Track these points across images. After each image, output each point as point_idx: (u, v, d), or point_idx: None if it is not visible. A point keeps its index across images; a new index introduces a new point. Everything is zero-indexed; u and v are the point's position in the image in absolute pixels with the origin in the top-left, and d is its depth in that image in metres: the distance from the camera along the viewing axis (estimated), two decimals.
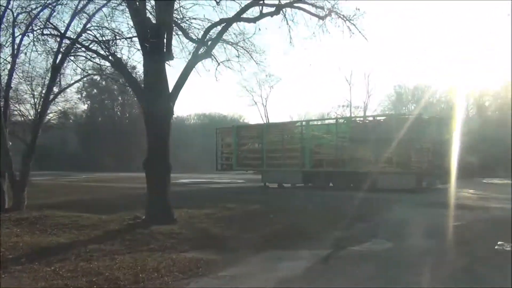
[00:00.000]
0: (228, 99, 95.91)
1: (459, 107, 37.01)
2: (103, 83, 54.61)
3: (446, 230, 9.22)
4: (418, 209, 12.33)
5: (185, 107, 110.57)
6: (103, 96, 58.58)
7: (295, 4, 11.83)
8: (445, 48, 57.14)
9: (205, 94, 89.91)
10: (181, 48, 12.70)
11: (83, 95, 55.01)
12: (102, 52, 10.95)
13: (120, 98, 58.07)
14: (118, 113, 60.36)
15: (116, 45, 10.53)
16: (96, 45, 11.00)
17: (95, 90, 57.50)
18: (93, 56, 11.29)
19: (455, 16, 52.99)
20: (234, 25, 12.16)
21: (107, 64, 12.33)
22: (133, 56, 12.40)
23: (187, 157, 51.30)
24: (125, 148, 53.53)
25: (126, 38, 10.40)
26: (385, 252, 7.68)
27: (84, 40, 11.56)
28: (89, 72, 13.79)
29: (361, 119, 21.29)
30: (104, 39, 10.50)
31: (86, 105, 58.23)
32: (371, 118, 21.44)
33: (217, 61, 13.10)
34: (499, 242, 7.72)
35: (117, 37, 10.36)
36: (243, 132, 24.19)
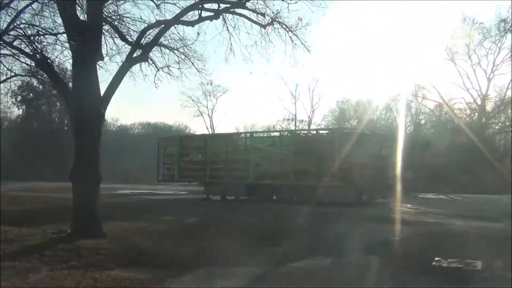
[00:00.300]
0: (173, 109, 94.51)
1: (399, 124, 38.49)
2: (40, 87, 52.04)
3: (386, 245, 9.06)
4: (358, 224, 12.20)
5: (130, 116, 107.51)
6: (40, 101, 55.62)
7: (235, 10, 11.46)
8: (384, 64, 59.20)
9: (150, 102, 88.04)
10: (117, 51, 11.99)
11: (17, 99, 51.96)
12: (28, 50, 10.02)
13: (58, 104, 55.34)
14: (56, 119, 57.52)
15: (41, 42, 9.65)
16: (22, 42, 10.05)
17: (31, 94, 54.51)
18: (18, 54, 10.31)
19: (395, 34, 54.99)
20: (174, 29, 11.64)
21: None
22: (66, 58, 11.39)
23: (131, 167, 49.71)
24: (64, 157, 51.01)
25: (51, 34, 9.56)
26: (325, 268, 7.35)
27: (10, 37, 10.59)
28: (17, 72, 12.64)
29: (305, 132, 21.27)
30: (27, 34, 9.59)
31: (21, 110, 55.07)
32: (314, 132, 21.51)
33: (156, 66, 12.49)
34: (436, 258, 7.60)
35: (41, 33, 9.48)
36: (187, 143, 23.47)
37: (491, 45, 38.08)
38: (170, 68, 12.78)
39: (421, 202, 22.69)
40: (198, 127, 68.59)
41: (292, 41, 11.83)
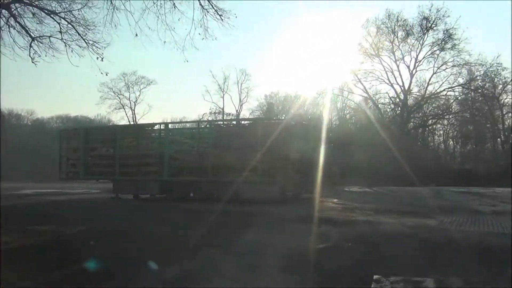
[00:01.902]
0: (94, 102, 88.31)
1: (325, 117, 37.52)
2: None
3: (309, 257, 7.02)
4: (278, 227, 10.19)
5: (48, 109, 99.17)
6: None
7: None
8: (313, 59, 58.59)
9: (70, 95, 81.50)
10: None
11: None
12: None
13: None
14: None
15: None
16: None
17: None
18: None
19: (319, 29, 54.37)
20: None
21: None
22: None
23: (46, 164, 44.89)
24: None
25: None
26: None
27: None
28: None
29: (225, 123, 19.09)
30: None
31: None
32: (235, 123, 19.35)
33: (29, 35, 9.63)
34: (375, 277, 5.66)
35: None
36: (93, 136, 20.27)
37: (414, 41, 38.29)
38: (51, 39, 9.94)
39: (347, 196, 21.40)
40: (121, 121, 64.12)
41: (202, 6, 9.53)
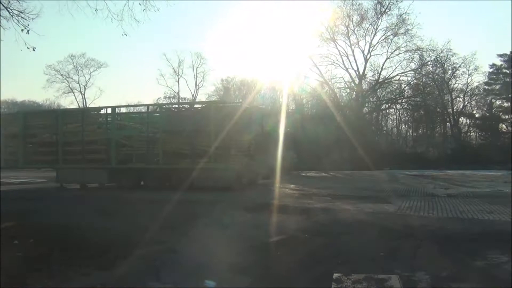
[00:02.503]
0: (42, 86, 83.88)
1: (282, 101, 36.98)
2: None
3: (264, 253, 6.31)
4: (232, 217, 9.41)
5: None
6: None
7: None
8: (269, 43, 57.87)
9: (17, 79, 76.89)
10: None
11: None
12: None
13: None
14: None
15: None
16: None
17: None
18: None
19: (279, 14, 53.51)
20: None
21: None
22: None
23: None
24: None
25: None
26: None
27: None
28: None
29: (177, 107, 17.96)
30: None
31: None
32: (187, 106, 18.27)
33: None
34: (335, 275, 5.02)
35: None
36: (33, 121, 18.56)
37: (368, 26, 38.25)
38: None
39: (304, 181, 21.01)
40: (71, 106, 61.12)
41: None
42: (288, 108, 40.79)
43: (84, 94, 50.45)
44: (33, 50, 8.86)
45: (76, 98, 50.33)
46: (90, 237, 7.52)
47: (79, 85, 50.73)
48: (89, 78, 50.36)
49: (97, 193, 16.37)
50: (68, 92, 50.48)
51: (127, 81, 78.69)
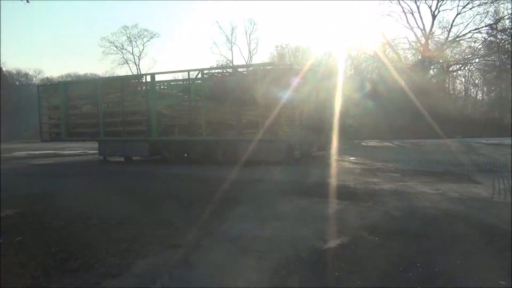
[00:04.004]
0: (95, 58, 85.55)
1: (339, 67, 33.97)
2: None
3: (313, 270, 4.26)
4: (275, 205, 7.38)
5: (57, 68, 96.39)
6: None
7: None
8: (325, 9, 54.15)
9: (77, 53, 78.63)
10: None
11: None
12: None
13: None
14: None
15: None
16: None
17: None
18: None
19: None
20: None
21: None
22: None
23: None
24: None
25: None
26: None
27: None
28: None
29: (220, 72, 15.96)
30: None
31: None
32: (232, 71, 16.17)
33: None
34: None
35: None
36: (73, 91, 17.36)
37: None
38: None
39: (365, 152, 18.55)
40: None
41: None
42: (346, 73, 37.80)
43: (138, 65, 50.01)
44: (27, 1, 7.21)
45: (130, 69, 50.01)
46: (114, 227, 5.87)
47: (133, 56, 50.27)
48: (143, 49, 49.69)
49: (131, 168, 14.94)
50: (123, 64, 50.26)
51: (181, 50, 77.95)
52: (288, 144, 13.77)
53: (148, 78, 15.95)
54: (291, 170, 12.53)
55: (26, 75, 61.99)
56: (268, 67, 14.85)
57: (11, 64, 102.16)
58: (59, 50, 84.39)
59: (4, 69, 50.33)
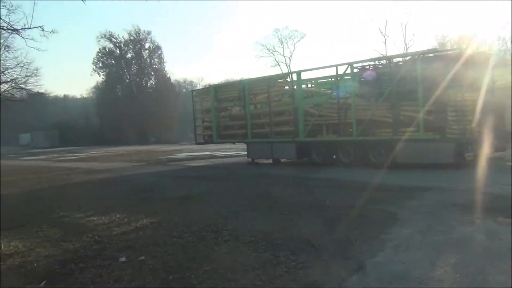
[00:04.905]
0: (249, 62, 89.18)
1: None
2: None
3: None
4: (458, 225, 5.60)
5: (216, 75, 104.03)
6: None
7: None
8: None
9: (232, 59, 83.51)
10: None
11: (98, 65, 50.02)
12: None
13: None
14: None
15: None
16: None
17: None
18: None
19: None
20: None
21: None
22: None
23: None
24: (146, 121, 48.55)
25: None
26: None
27: None
28: None
29: (372, 64, 14.09)
30: None
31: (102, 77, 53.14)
32: (385, 62, 14.19)
33: None
34: None
35: None
36: (223, 93, 17.48)
37: None
38: None
39: None
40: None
41: None
42: None
43: (289, 66, 50.36)
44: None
45: (282, 71, 50.65)
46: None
47: (284, 57, 50.84)
48: (294, 50, 49.89)
49: (276, 171, 14.15)
50: (275, 66, 51.19)
51: (330, 49, 76.54)
52: (458, 144, 11.41)
53: (294, 77, 15.10)
54: (463, 176, 10.26)
55: (191, 82, 68.25)
56: (430, 55, 12.59)
57: (179, 74, 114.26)
58: (218, 58, 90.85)
59: (172, 78, 55.89)
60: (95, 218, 7.31)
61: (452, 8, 63.58)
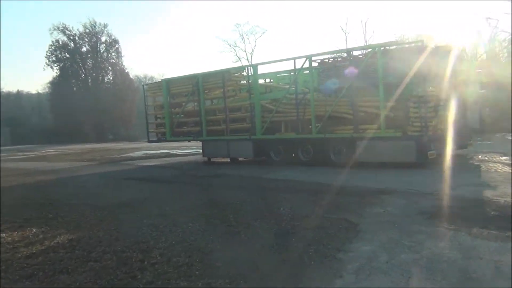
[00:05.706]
0: (212, 57, 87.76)
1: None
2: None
3: None
4: (429, 239, 4.76)
5: (177, 70, 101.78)
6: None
7: None
8: None
9: (193, 55, 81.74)
10: None
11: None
12: None
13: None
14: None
15: None
16: None
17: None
18: None
19: None
20: None
21: None
22: None
23: None
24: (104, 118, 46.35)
25: None
26: None
27: None
28: None
29: (331, 57, 13.26)
30: None
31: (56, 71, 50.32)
32: (345, 55, 13.27)
33: None
34: None
35: None
36: (175, 88, 16.17)
37: None
38: None
39: None
40: None
41: None
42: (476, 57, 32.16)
43: (251, 62, 49.44)
44: None
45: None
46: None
47: (246, 53, 49.87)
48: (255, 46, 49.05)
49: (231, 172, 13.17)
50: (236, 61, 50.16)
51: (291, 45, 76.22)
52: (420, 142, 10.76)
53: (251, 70, 14.10)
54: (427, 176, 9.58)
55: (152, 78, 66.09)
56: (391, 47, 11.91)
57: (140, 69, 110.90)
58: (180, 53, 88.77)
59: (132, 73, 53.81)
60: (5, 235, 6.05)
61: (410, 8, 64.22)
